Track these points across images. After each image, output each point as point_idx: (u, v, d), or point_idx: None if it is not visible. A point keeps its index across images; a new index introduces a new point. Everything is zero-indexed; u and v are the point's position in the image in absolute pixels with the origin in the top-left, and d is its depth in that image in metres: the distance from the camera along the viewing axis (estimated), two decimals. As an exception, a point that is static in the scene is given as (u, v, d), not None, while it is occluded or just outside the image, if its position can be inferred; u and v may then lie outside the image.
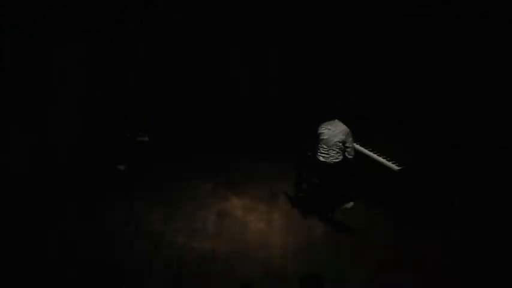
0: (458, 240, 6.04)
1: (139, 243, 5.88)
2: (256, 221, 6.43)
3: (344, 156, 6.36)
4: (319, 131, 6.39)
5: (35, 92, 6.47)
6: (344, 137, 6.26)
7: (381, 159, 6.49)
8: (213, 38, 8.35)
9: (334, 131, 6.28)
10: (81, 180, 7.17)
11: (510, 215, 5.90)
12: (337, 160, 6.32)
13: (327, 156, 6.33)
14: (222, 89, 8.62)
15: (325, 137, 6.32)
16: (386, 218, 6.47)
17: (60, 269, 5.26)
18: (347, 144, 6.29)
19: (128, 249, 5.75)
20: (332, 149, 6.29)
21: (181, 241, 5.96)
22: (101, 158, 7.75)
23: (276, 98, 8.53)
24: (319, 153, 6.41)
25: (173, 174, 7.48)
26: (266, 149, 8.29)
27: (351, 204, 6.68)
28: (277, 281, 5.37)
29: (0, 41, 5.62)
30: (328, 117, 6.46)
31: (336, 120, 6.37)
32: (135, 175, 7.46)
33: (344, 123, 6.34)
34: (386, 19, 7.39)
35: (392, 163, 6.35)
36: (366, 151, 6.69)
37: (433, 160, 6.32)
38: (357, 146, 6.81)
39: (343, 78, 7.92)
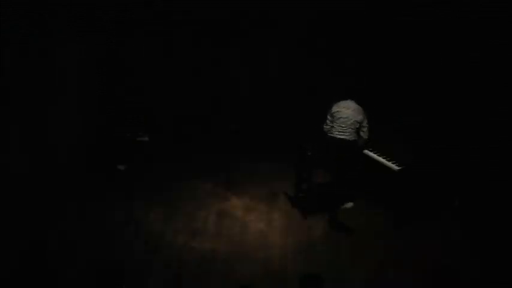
0: (458, 240, 6.03)
1: (139, 243, 5.88)
2: (256, 221, 6.43)
3: (357, 137, 6.43)
4: (337, 109, 6.40)
5: (35, 92, 6.47)
6: (361, 116, 6.34)
7: (381, 159, 6.49)
8: (213, 38, 8.36)
9: (353, 111, 6.34)
10: (81, 180, 7.17)
11: (510, 215, 5.89)
12: (353, 138, 6.39)
13: (344, 133, 6.36)
14: (222, 89, 8.63)
15: (344, 116, 6.34)
16: (386, 218, 6.47)
17: (60, 269, 5.26)
18: (363, 124, 6.37)
19: (128, 249, 5.75)
20: (350, 128, 6.34)
21: (181, 241, 5.96)
22: (101, 158, 7.75)
23: (276, 98, 8.53)
24: (336, 132, 6.40)
25: (173, 174, 7.48)
26: (266, 149, 8.30)
27: (350, 204, 6.70)
28: (277, 281, 5.37)
29: (0, 41, 5.62)
30: (344, 97, 6.49)
31: (352, 100, 6.42)
32: (135, 175, 7.46)
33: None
34: (386, 19, 7.40)
35: (392, 163, 6.35)
36: (366, 151, 6.68)
37: (433, 160, 6.32)
38: (357, 146, 6.82)
39: (343, 78, 7.92)
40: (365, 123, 6.38)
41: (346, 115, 6.33)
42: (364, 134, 6.41)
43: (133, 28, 8.05)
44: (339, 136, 6.37)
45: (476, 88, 6.24)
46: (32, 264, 5.23)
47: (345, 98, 6.47)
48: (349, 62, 7.98)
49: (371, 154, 6.65)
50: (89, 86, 7.93)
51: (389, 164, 6.37)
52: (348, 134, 6.35)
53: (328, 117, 6.50)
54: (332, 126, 6.44)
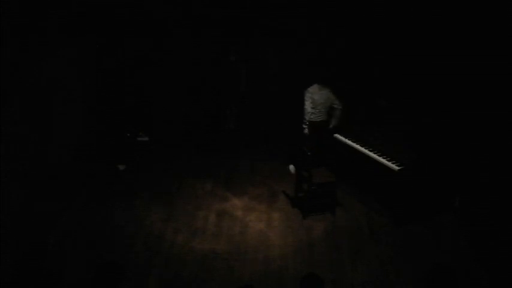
0: (458, 240, 6.04)
1: (139, 243, 5.88)
2: (256, 221, 6.43)
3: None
4: (316, 97, 7.08)
5: (35, 93, 6.48)
6: (334, 96, 7.11)
7: (381, 159, 6.49)
8: (213, 37, 8.36)
9: (326, 94, 7.08)
10: (81, 180, 7.18)
11: (510, 215, 5.89)
12: (323, 118, 7.20)
13: (320, 115, 7.19)
14: (223, 88, 8.63)
15: (322, 101, 7.10)
16: (386, 217, 6.47)
17: (60, 269, 5.25)
18: (335, 101, 7.13)
19: (128, 249, 5.75)
20: (326, 109, 7.17)
21: (181, 241, 5.97)
22: (101, 158, 7.75)
23: (276, 98, 8.54)
24: (314, 116, 7.17)
25: (173, 174, 7.48)
26: (266, 149, 8.30)
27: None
28: (277, 281, 5.37)
29: (1, 41, 5.62)
30: (312, 81, 7.13)
31: (320, 83, 7.10)
32: (135, 175, 7.46)
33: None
34: (385, 20, 7.40)
35: (392, 163, 6.35)
36: (366, 151, 6.69)
37: (433, 160, 6.32)
38: (357, 146, 6.82)
39: (343, 80, 7.93)
40: (336, 99, 7.15)
41: (323, 100, 7.10)
42: (337, 106, 7.16)
43: (134, 28, 8.06)
44: (315, 119, 7.19)
45: (476, 88, 6.24)
46: (32, 264, 5.23)
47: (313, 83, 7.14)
48: (349, 64, 8.00)
49: (371, 154, 6.63)
50: (89, 87, 7.93)
51: (389, 164, 6.37)
52: (321, 114, 7.18)
53: (311, 104, 7.13)
54: (310, 113, 7.19)
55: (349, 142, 6.93)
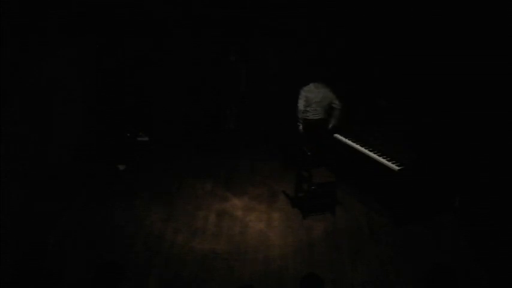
0: (458, 240, 6.04)
1: (139, 243, 5.88)
2: (256, 221, 6.43)
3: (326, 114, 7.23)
4: (310, 95, 7.10)
5: (35, 93, 6.47)
6: (333, 95, 7.12)
7: (381, 159, 6.49)
8: (213, 37, 8.36)
9: (323, 93, 7.09)
10: (81, 180, 7.18)
11: (510, 215, 5.89)
12: (321, 116, 7.20)
13: (316, 113, 7.18)
14: (223, 88, 8.63)
15: (317, 99, 7.09)
16: (386, 217, 6.47)
17: (60, 269, 5.25)
18: (335, 101, 7.14)
19: (128, 249, 5.75)
20: (323, 108, 7.16)
21: (181, 241, 5.96)
22: (101, 158, 7.75)
23: (276, 98, 8.53)
24: (310, 114, 7.20)
25: (173, 174, 7.48)
26: (266, 149, 8.30)
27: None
28: (277, 281, 5.37)
29: (1, 41, 5.62)
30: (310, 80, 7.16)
31: (317, 82, 7.12)
32: (135, 175, 7.46)
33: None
34: (385, 20, 7.41)
35: (392, 163, 6.35)
36: (366, 151, 6.69)
37: (434, 160, 6.32)
38: (357, 146, 6.82)
39: (343, 80, 7.92)
40: (335, 99, 7.16)
41: (319, 99, 7.11)
42: (337, 106, 7.16)
43: (134, 28, 8.06)
44: (311, 117, 7.21)
45: (476, 88, 6.24)
46: (31, 264, 5.22)
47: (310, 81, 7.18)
48: (349, 64, 7.99)
49: (371, 154, 6.63)
50: (89, 87, 7.93)
51: (389, 164, 6.37)
52: (317, 113, 7.18)
53: (304, 103, 7.18)
54: (307, 110, 7.20)
55: (349, 142, 6.93)
